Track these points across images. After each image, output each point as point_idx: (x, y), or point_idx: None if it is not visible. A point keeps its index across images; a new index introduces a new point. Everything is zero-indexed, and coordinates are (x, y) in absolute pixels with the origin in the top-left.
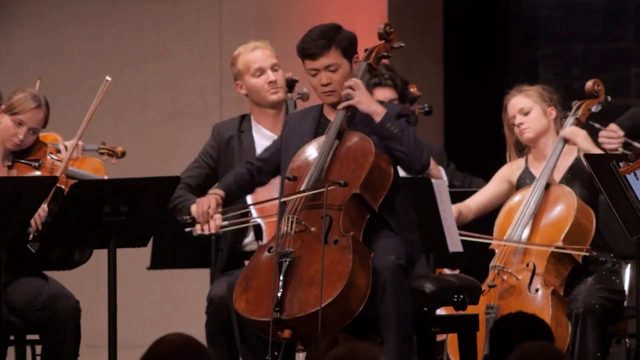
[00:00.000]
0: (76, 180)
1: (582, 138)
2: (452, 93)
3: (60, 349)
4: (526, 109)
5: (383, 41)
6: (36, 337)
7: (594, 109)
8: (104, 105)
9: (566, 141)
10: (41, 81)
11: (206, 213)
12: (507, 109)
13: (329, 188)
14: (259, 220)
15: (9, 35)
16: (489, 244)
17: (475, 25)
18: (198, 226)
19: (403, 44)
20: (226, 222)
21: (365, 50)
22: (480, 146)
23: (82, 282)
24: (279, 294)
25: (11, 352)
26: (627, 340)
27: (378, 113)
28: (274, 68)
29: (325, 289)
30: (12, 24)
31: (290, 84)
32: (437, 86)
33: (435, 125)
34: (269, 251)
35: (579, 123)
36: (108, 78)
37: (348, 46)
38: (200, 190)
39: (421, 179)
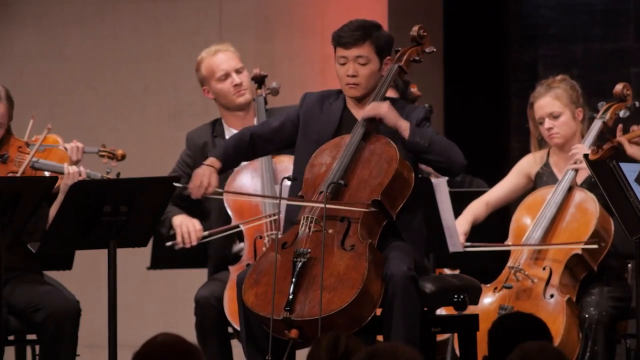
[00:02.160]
0: (40, 170)
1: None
2: (452, 93)
3: (58, 349)
4: (556, 113)
5: (415, 44)
6: (35, 337)
7: (621, 114)
8: (104, 105)
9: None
10: (35, 120)
11: (203, 187)
12: (535, 108)
13: (328, 203)
14: (241, 226)
15: (9, 35)
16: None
17: (475, 26)
18: (179, 238)
19: (435, 49)
20: (207, 233)
21: (397, 52)
22: (481, 146)
23: (82, 282)
24: (291, 294)
25: (11, 352)
26: (627, 340)
27: (404, 128)
28: (238, 70)
29: (338, 294)
30: (12, 24)
31: (260, 80)
32: (437, 86)
33: (435, 125)
34: (282, 247)
35: (605, 127)
36: (49, 126)
37: (383, 46)
38: (180, 199)
39: (421, 179)
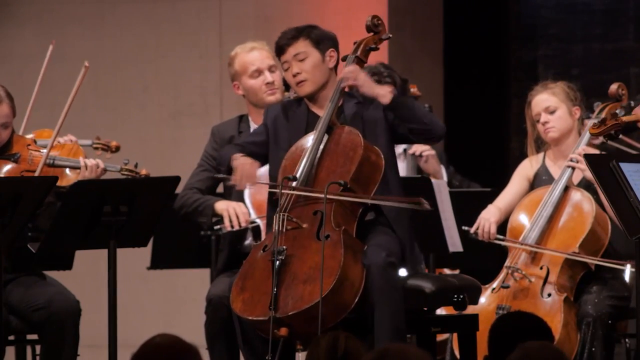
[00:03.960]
0: (57, 167)
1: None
2: (452, 93)
3: (59, 348)
4: (552, 107)
5: (372, 33)
6: (36, 337)
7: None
8: (104, 104)
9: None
10: (54, 46)
11: (245, 177)
12: (532, 105)
13: (328, 192)
14: (258, 221)
15: (9, 35)
16: (496, 244)
17: (475, 26)
18: (227, 222)
19: (391, 35)
20: (254, 217)
21: (354, 44)
22: (480, 146)
23: (82, 282)
24: (274, 293)
25: (11, 352)
26: (627, 340)
27: (383, 94)
28: (271, 69)
29: (317, 284)
30: (12, 24)
31: (286, 83)
32: (437, 86)
33: None
34: (263, 250)
35: None
36: (86, 64)
37: (320, 38)
38: (210, 193)
39: (421, 179)
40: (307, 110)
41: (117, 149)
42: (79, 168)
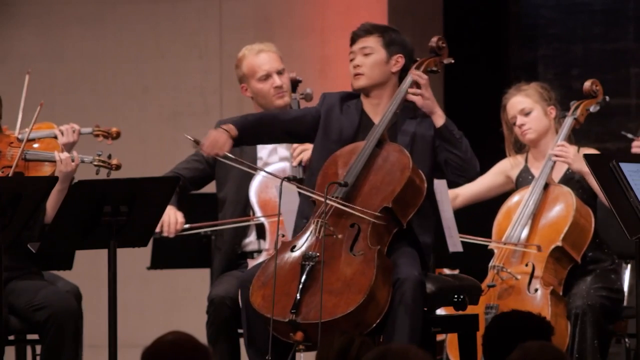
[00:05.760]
0: (35, 162)
1: (572, 160)
2: (452, 93)
3: (59, 349)
4: (527, 109)
5: (434, 55)
6: (36, 337)
7: (592, 109)
8: (104, 104)
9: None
10: (41, 107)
11: (217, 148)
12: (507, 109)
13: (328, 197)
14: (263, 220)
15: (9, 36)
16: (488, 244)
17: (475, 25)
18: (158, 227)
19: (453, 61)
20: (187, 226)
21: (416, 61)
22: (480, 146)
23: (82, 282)
24: (298, 296)
25: (11, 352)
26: (627, 340)
27: (440, 115)
28: (279, 72)
29: (344, 299)
30: (13, 24)
31: (294, 84)
32: (437, 86)
33: None
34: (292, 250)
35: (577, 123)
36: (29, 70)
37: (392, 41)
38: (193, 184)
39: None
40: (361, 111)
41: (118, 134)
42: (53, 161)
